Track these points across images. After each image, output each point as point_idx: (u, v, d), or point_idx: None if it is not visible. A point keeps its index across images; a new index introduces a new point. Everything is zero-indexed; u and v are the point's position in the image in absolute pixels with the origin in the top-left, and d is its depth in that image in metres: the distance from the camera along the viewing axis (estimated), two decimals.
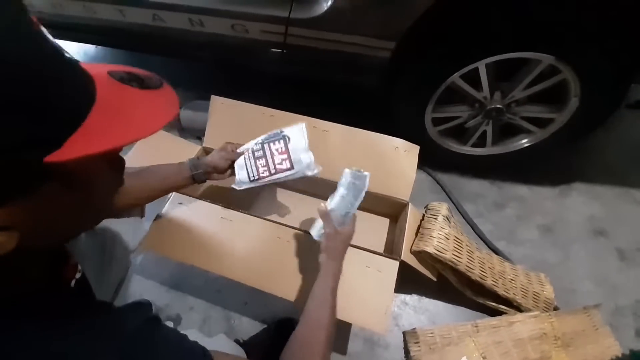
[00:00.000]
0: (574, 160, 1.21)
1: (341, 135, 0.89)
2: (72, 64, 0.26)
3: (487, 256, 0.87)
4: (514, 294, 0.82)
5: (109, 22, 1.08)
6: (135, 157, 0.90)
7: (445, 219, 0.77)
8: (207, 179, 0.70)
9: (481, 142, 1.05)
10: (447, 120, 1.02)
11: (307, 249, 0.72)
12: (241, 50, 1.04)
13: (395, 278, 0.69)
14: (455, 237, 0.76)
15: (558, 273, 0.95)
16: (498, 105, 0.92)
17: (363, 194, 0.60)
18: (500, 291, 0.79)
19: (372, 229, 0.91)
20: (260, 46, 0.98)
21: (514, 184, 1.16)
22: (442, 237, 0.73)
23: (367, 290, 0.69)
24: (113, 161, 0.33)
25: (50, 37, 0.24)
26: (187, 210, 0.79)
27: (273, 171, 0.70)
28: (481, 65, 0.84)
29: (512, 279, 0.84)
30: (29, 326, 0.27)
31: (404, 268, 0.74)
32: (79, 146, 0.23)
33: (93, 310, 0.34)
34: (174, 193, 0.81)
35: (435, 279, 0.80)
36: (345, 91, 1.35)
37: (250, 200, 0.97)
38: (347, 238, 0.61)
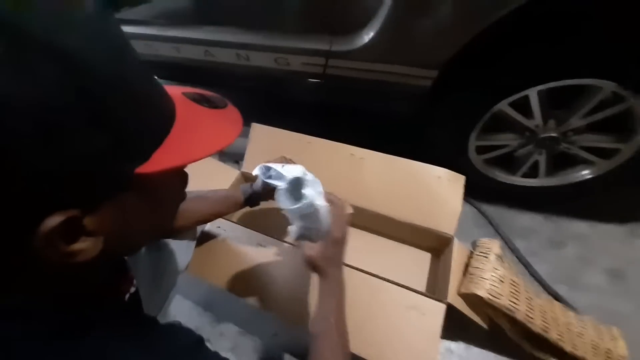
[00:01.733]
0: None
1: (378, 163, 0.87)
2: (159, 86, 0.28)
3: (548, 303, 0.76)
4: (583, 351, 0.70)
5: (167, 57, 1.20)
6: None
7: (498, 258, 0.70)
8: (259, 204, 0.71)
9: (533, 173, 0.96)
10: (493, 149, 0.95)
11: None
12: (283, 82, 1.09)
13: (441, 323, 0.62)
14: (511, 280, 0.68)
15: (632, 326, 0.80)
16: (552, 134, 0.85)
17: (306, 174, 0.49)
18: (568, 347, 0.68)
19: (413, 264, 0.85)
20: (301, 77, 1.01)
21: (572, 219, 1.04)
22: (495, 279, 0.66)
23: (408, 335, 0.62)
24: (182, 175, 0.35)
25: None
26: (225, 234, 0.80)
27: None
28: (532, 93, 0.79)
29: (580, 333, 0.72)
30: (87, 330, 0.27)
31: (449, 311, 0.67)
32: (162, 160, 0.25)
33: (145, 325, 0.35)
34: None
35: (486, 327, 0.71)
36: (382, 119, 1.35)
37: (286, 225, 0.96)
38: (332, 243, 0.49)
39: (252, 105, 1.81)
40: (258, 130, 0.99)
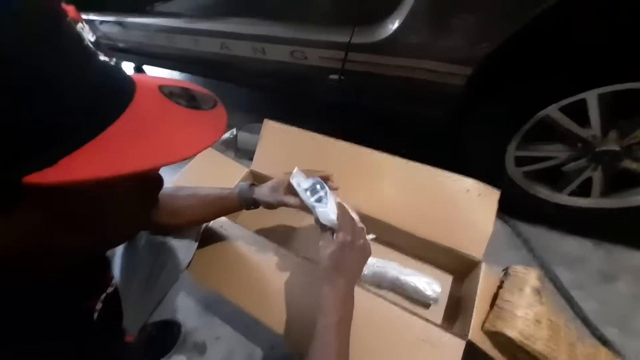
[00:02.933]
0: None
1: (400, 169, 0.77)
2: (105, 75, 0.22)
3: (593, 350, 0.62)
4: None
5: (187, 51, 1.18)
6: (184, 177, 0.91)
7: (536, 292, 0.58)
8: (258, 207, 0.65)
9: (584, 191, 0.82)
10: (536, 161, 0.82)
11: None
12: (300, 78, 1.02)
13: None
14: (550, 320, 0.56)
15: None
16: (613, 148, 0.71)
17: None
18: None
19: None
20: (318, 73, 0.94)
21: (628, 249, 0.87)
22: (530, 318, 0.54)
23: None
24: (136, 185, 0.28)
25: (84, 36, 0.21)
26: (226, 236, 0.75)
27: None
28: (591, 96, 0.65)
29: None
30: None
31: (469, 349, 0.56)
32: (74, 168, 0.19)
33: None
34: None
35: None
36: (408, 123, 1.24)
37: (294, 229, 0.90)
38: (340, 245, 0.47)
39: (271, 103, 1.78)
40: (270, 127, 0.93)
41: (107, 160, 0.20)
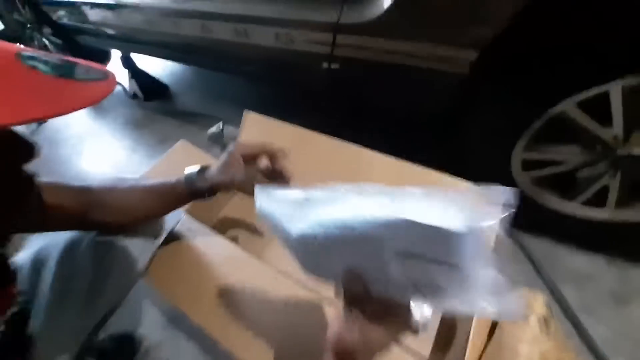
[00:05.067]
0: None
1: (392, 171, 0.68)
2: None
3: None
4: None
5: (168, 35, 1.09)
6: (159, 169, 0.82)
7: (543, 322, 0.48)
8: (215, 194, 0.54)
9: (599, 201, 0.72)
10: (546, 165, 0.72)
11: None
12: (286, 65, 0.93)
13: None
14: (559, 358, 0.47)
15: None
16: (637, 152, 0.61)
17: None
18: None
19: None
20: (306, 60, 0.85)
21: None
22: (536, 356, 0.45)
23: None
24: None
25: None
26: (194, 241, 0.65)
27: None
28: (615, 89, 0.56)
29: None
30: None
31: None
32: None
33: None
34: (184, 215, 0.69)
35: None
36: (405, 119, 1.14)
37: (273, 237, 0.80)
38: (356, 329, 0.26)
39: (265, 94, 1.69)
40: (251, 119, 0.84)
41: None
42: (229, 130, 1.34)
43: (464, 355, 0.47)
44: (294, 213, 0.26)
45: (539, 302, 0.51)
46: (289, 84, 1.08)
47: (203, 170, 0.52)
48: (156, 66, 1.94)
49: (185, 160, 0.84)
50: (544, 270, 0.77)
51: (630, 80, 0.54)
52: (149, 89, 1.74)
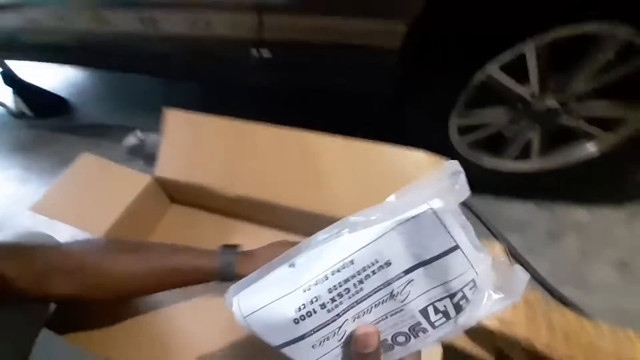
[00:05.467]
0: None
1: (340, 151, 0.65)
2: None
3: (562, 317, 0.59)
4: None
5: (55, 32, 0.88)
6: (59, 193, 0.66)
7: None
8: None
9: (523, 154, 0.80)
10: (478, 128, 0.78)
11: None
12: (209, 57, 0.83)
13: None
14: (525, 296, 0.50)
15: None
16: (551, 105, 0.68)
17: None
18: None
19: None
20: (232, 48, 0.76)
21: (568, 206, 0.90)
22: None
23: None
24: None
25: None
26: None
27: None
28: (530, 49, 0.61)
29: (602, 350, 0.56)
30: None
31: (447, 350, 0.48)
32: None
33: None
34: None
35: None
36: (347, 100, 1.13)
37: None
38: None
39: (188, 95, 1.52)
40: (174, 118, 0.72)
41: None
42: (150, 137, 1.17)
43: None
44: (284, 287, 0.22)
45: (497, 250, 0.54)
46: (217, 80, 0.98)
47: (239, 255, 0.43)
48: (49, 77, 1.62)
49: (95, 178, 0.70)
50: (490, 223, 0.84)
51: (541, 39, 0.59)
52: (39, 105, 1.43)
